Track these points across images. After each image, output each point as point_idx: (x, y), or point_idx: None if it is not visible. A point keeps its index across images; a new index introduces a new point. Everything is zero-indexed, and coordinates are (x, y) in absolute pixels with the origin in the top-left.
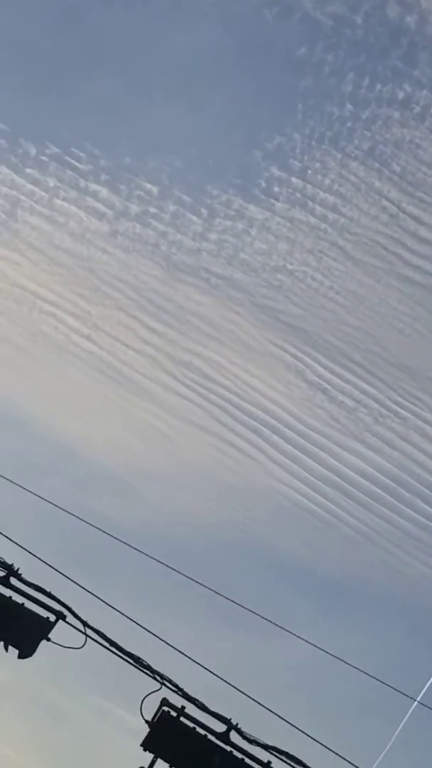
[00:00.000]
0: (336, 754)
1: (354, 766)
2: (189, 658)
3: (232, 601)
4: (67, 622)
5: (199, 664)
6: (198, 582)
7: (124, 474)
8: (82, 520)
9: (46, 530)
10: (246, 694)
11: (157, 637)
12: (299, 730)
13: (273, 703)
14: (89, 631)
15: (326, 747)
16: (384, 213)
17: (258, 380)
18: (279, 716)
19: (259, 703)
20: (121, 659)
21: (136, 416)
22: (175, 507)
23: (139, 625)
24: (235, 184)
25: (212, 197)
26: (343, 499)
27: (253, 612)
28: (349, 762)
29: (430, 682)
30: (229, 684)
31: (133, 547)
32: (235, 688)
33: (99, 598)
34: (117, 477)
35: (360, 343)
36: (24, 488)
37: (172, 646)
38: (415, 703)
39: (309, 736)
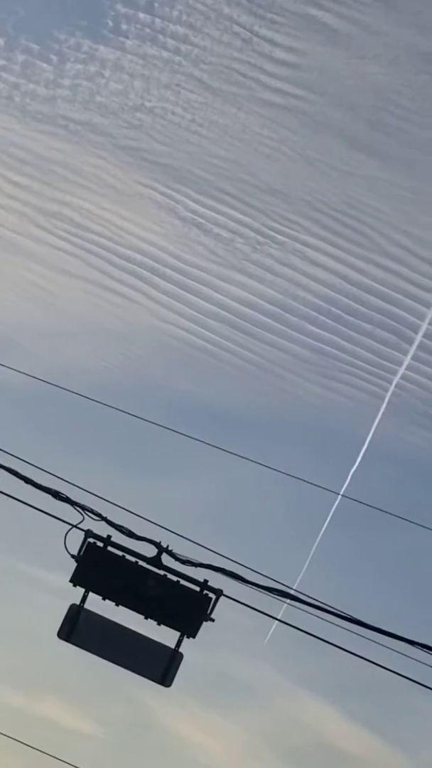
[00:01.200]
0: (259, 574)
1: (277, 582)
2: (103, 498)
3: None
4: None
5: (115, 503)
6: (124, 411)
7: (8, 333)
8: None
9: None
10: (170, 530)
11: (67, 481)
12: (226, 557)
13: (199, 532)
14: None
15: (251, 569)
16: (237, 39)
17: (130, 223)
18: (203, 546)
19: (183, 536)
20: (29, 508)
21: (12, 274)
22: (63, 359)
23: (46, 471)
24: (81, 26)
25: (60, 42)
26: (231, 331)
27: (184, 435)
28: (272, 580)
29: (349, 478)
30: (151, 522)
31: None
32: (157, 524)
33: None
34: (1, 337)
35: (229, 173)
36: None
37: (84, 489)
38: (339, 497)
39: (236, 561)
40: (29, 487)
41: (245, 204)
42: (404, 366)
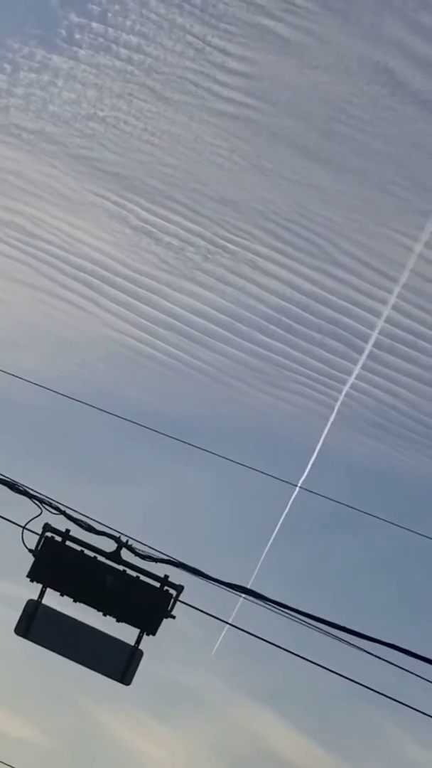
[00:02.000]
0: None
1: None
2: (58, 502)
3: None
4: None
5: (72, 508)
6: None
7: None
8: None
9: None
10: (131, 535)
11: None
12: (179, 562)
13: (151, 535)
14: None
15: (202, 573)
16: (190, 48)
17: (82, 231)
18: (158, 551)
19: (140, 541)
20: None
21: None
22: (14, 368)
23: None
24: (35, 35)
25: (14, 51)
26: (181, 340)
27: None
28: (226, 585)
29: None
30: (107, 525)
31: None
32: (114, 528)
33: None
34: None
35: (180, 182)
36: None
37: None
38: (296, 489)
39: (187, 565)
40: None
41: (196, 213)
42: (354, 375)
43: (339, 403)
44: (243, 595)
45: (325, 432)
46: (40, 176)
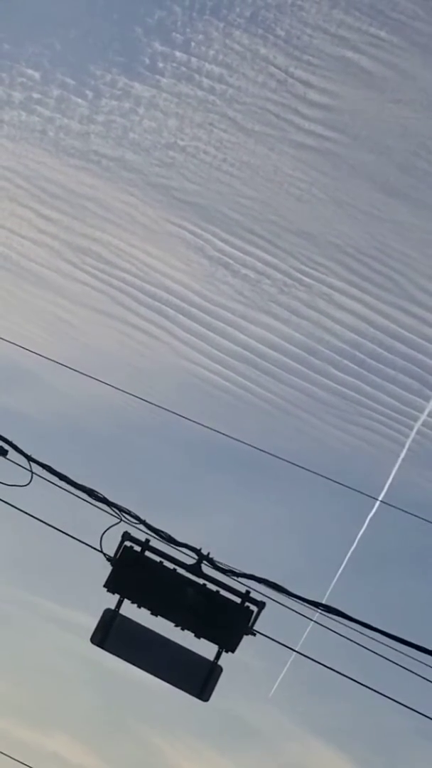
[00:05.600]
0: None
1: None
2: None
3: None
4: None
5: (155, 530)
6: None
7: (31, 366)
8: None
9: None
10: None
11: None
12: (265, 580)
13: (234, 552)
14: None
15: (284, 589)
16: (272, 79)
17: (158, 261)
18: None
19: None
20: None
21: (39, 307)
22: (85, 394)
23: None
24: (118, 62)
25: (96, 78)
26: (254, 372)
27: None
28: (309, 603)
29: (366, 523)
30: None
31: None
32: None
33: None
34: (24, 369)
35: (258, 214)
36: None
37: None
38: (377, 502)
39: (269, 580)
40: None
41: (273, 245)
42: (426, 412)
43: (410, 439)
44: (328, 614)
45: (396, 468)
46: (118, 204)
